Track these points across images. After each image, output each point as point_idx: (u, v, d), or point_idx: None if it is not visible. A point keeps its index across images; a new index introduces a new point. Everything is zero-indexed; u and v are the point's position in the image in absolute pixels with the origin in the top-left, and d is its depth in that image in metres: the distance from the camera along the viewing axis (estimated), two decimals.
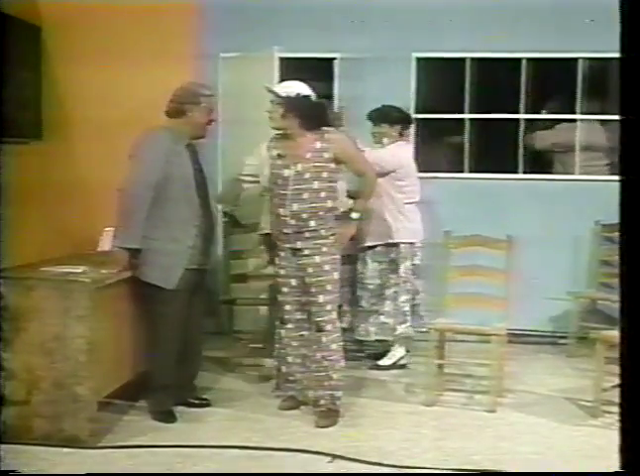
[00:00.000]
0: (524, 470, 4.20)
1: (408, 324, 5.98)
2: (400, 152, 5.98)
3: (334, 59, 6.99)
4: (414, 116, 6.90)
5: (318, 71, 6.94)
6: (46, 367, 4.42)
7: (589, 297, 6.62)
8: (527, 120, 6.97)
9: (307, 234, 4.79)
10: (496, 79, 6.98)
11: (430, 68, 6.99)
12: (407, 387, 5.62)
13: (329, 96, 6.89)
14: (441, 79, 7.07)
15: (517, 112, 6.93)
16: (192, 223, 4.78)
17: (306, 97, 4.81)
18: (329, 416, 4.85)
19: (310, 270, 4.81)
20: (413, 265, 6.00)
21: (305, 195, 4.75)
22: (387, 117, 6.06)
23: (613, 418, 4.66)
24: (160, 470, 4.16)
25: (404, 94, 6.87)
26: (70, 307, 4.39)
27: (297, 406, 5.09)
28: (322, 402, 4.90)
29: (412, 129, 6.28)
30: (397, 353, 6.07)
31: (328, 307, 4.84)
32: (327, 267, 4.81)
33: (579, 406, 5.23)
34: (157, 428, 4.73)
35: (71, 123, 6.68)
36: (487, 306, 5.28)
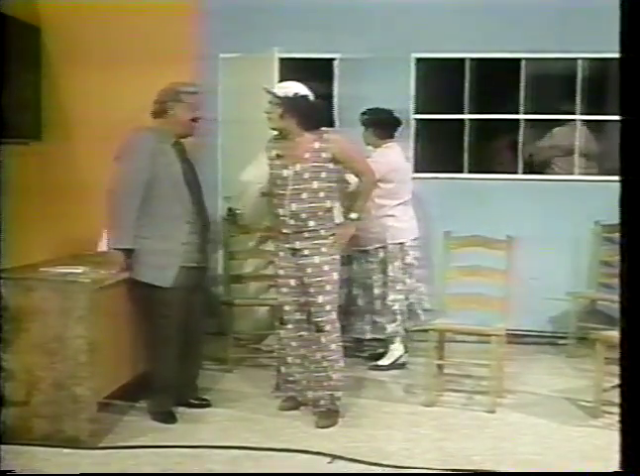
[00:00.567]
0: (524, 470, 4.20)
1: (398, 323, 6.01)
2: (390, 154, 5.97)
3: (333, 59, 6.99)
4: (413, 117, 6.92)
5: (318, 72, 6.93)
6: (45, 367, 4.42)
7: (589, 297, 6.61)
8: (527, 120, 6.97)
9: (306, 234, 4.79)
10: (496, 79, 6.97)
11: (429, 69, 6.99)
12: (407, 387, 5.62)
13: (329, 97, 6.89)
14: (440, 80, 7.08)
15: (516, 112, 6.93)
16: (184, 220, 4.79)
17: (304, 97, 4.81)
18: (329, 416, 4.85)
19: (309, 270, 4.81)
20: (405, 264, 6.02)
21: (304, 195, 4.75)
22: (376, 120, 6.07)
23: (613, 419, 4.66)
24: (161, 470, 4.16)
25: (404, 95, 6.88)
26: (70, 308, 4.40)
27: (297, 406, 5.08)
28: (322, 402, 4.90)
29: (401, 130, 6.24)
30: (396, 352, 6.08)
31: (327, 308, 4.83)
32: (326, 267, 4.81)
33: (579, 406, 5.23)
34: (157, 429, 4.73)
35: (71, 124, 6.70)
36: (487, 307, 5.28)
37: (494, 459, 4.32)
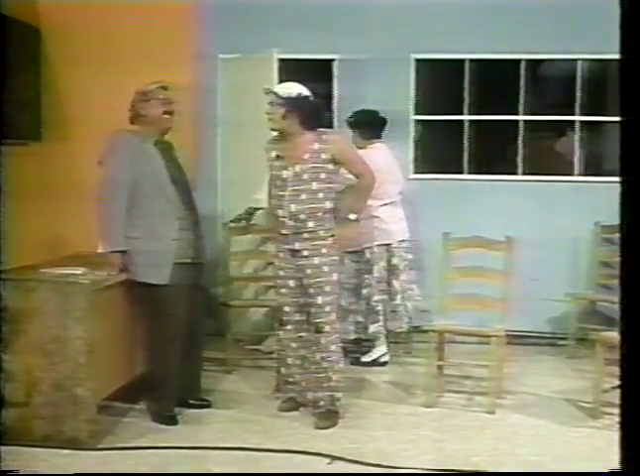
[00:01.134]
0: (524, 471, 4.21)
1: (380, 324, 6.06)
2: (375, 154, 5.93)
3: (333, 60, 7.00)
4: (413, 118, 6.93)
5: (317, 73, 6.95)
6: (45, 368, 4.42)
7: (589, 298, 6.62)
8: (526, 121, 6.97)
9: (306, 235, 4.79)
10: (496, 80, 6.97)
11: (429, 70, 6.99)
12: (407, 388, 5.62)
13: (328, 98, 6.89)
14: (440, 80, 7.08)
15: (517, 113, 6.93)
16: (173, 216, 4.80)
17: (307, 98, 4.83)
18: (328, 417, 4.86)
19: (309, 271, 4.81)
20: (392, 265, 6.04)
21: (303, 196, 4.76)
22: (361, 121, 6.09)
23: (613, 420, 4.67)
24: (161, 471, 4.16)
25: (403, 95, 6.89)
26: (70, 309, 4.40)
27: (297, 407, 5.09)
28: (321, 403, 4.90)
29: (387, 130, 6.26)
30: (378, 351, 6.13)
31: (327, 309, 4.84)
32: (326, 268, 4.81)
33: (578, 407, 5.23)
34: (157, 430, 4.73)
35: (71, 124, 6.70)
36: (487, 308, 5.29)
37: (494, 460, 4.33)
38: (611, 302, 6.06)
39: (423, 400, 5.29)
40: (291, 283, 4.89)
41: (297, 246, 4.81)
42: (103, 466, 4.22)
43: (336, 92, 6.99)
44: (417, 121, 7.04)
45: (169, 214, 4.80)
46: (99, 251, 4.89)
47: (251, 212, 6.16)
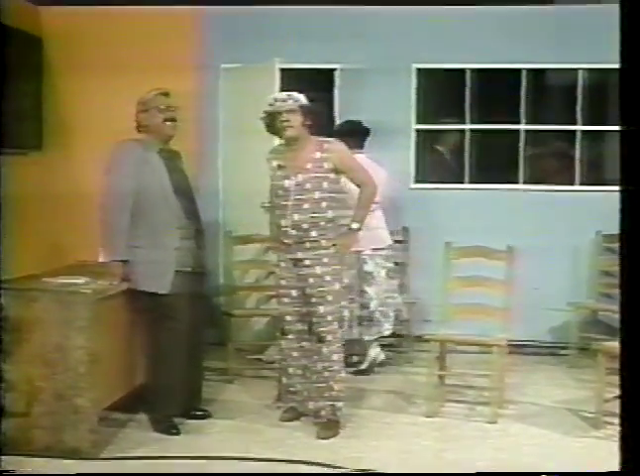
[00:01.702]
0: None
1: (344, 330, 6.01)
2: None
3: (334, 69, 7.02)
4: (414, 127, 6.94)
5: (319, 82, 6.97)
6: (46, 378, 4.42)
7: (590, 307, 6.62)
8: (527, 131, 6.99)
9: (308, 244, 4.81)
10: (497, 90, 6.99)
11: (430, 79, 7.01)
12: (408, 398, 5.62)
13: (329, 107, 6.90)
14: (441, 90, 7.10)
15: (518, 122, 6.95)
16: (175, 225, 4.82)
17: (319, 105, 4.88)
18: (330, 427, 4.86)
19: (311, 280, 4.82)
20: (365, 272, 6.04)
21: (306, 206, 4.77)
22: (343, 131, 6.08)
23: (615, 430, 4.65)
24: None
25: (405, 105, 6.91)
26: (71, 319, 4.41)
27: (298, 417, 5.09)
28: (323, 413, 4.90)
29: (369, 140, 6.28)
30: (372, 353, 6.20)
31: (329, 318, 4.85)
32: (328, 277, 4.83)
33: (580, 417, 5.23)
34: (157, 440, 4.73)
35: (72, 134, 6.72)
36: (488, 317, 5.29)
37: (496, 470, 4.32)
38: (613, 312, 6.06)
39: (424, 409, 5.29)
40: (293, 292, 4.90)
41: (299, 255, 4.82)
42: None
43: (337, 102, 7.01)
44: (418, 130, 7.05)
45: (171, 224, 4.82)
46: (101, 260, 4.91)
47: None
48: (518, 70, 6.89)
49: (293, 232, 4.80)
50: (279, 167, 4.90)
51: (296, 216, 4.78)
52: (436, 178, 7.07)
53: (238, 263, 6.30)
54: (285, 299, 4.95)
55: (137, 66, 6.27)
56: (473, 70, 6.97)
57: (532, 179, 7.01)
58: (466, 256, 5.44)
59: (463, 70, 6.96)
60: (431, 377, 5.41)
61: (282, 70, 6.40)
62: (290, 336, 4.99)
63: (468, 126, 7.03)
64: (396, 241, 6.66)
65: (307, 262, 4.82)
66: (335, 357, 4.88)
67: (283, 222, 4.82)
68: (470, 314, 5.38)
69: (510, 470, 4.35)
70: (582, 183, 6.98)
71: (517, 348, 6.11)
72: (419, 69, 6.97)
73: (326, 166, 4.82)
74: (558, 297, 6.52)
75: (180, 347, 4.85)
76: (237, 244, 6.28)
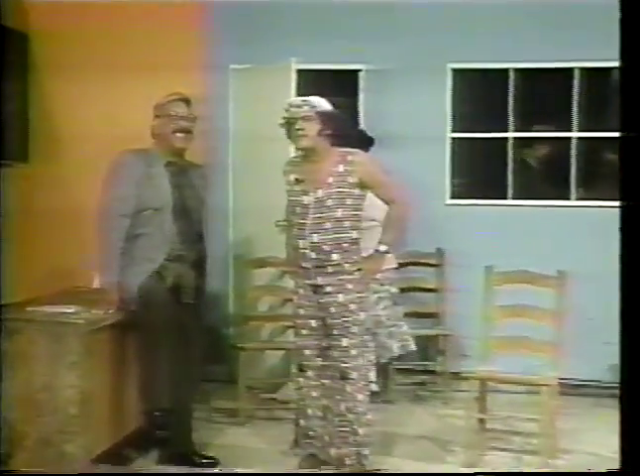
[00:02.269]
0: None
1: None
2: None
3: (359, 71, 7.03)
4: (450, 135, 6.92)
5: (341, 85, 6.99)
6: (31, 421, 4.41)
7: None
8: (579, 138, 6.95)
9: (329, 269, 4.79)
10: (545, 92, 6.97)
11: (468, 81, 7.00)
12: (444, 444, 5.57)
13: (353, 113, 6.90)
14: (480, 93, 7.09)
15: (570, 130, 6.91)
16: (164, 250, 4.81)
17: (340, 113, 4.87)
18: None
19: (333, 309, 4.80)
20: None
21: (327, 225, 4.75)
22: (349, 141, 6.07)
23: None
24: None
25: (439, 110, 6.89)
26: (61, 353, 4.41)
27: (318, 465, 5.04)
28: (347, 461, 4.87)
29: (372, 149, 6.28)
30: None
31: (353, 352, 4.82)
32: (352, 306, 4.80)
33: None
34: None
35: (61, 143, 6.73)
36: (536, 352, 5.26)
37: None
38: None
39: (463, 458, 5.25)
40: (313, 322, 4.88)
41: (320, 281, 4.80)
42: None
43: (362, 107, 7.00)
44: (454, 139, 7.02)
45: (160, 249, 4.81)
46: (94, 286, 4.91)
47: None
48: (570, 69, 6.85)
49: (313, 255, 4.78)
50: (297, 181, 4.89)
51: (316, 237, 4.76)
52: (476, 192, 7.04)
53: (250, 289, 6.29)
54: (304, 331, 4.93)
55: (135, 67, 6.28)
56: (516, 70, 6.95)
57: (586, 195, 6.97)
58: (509, 282, 5.41)
59: (505, 70, 6.95)
60: (470, 420, 5.37)
61: (299, 72, 6.41)
62: (309, 373, 4.96)
63: (511, 134, 7.00)
64: (429, 265, 6.62)
65: (328, 288, 4.80)
66: (360, 397, 4.85)
67: (302, 243, 4.80)
68: (514, 349, 5.34)
69: None
70: None
71: (571, 388, 6.07)
72: (454, 70, 6.96)
73: (350, 180, 4.80)
74: (617, 328, 6.44)
75: (168, 382, 4.81)
76: (249, 268, 6.29)
